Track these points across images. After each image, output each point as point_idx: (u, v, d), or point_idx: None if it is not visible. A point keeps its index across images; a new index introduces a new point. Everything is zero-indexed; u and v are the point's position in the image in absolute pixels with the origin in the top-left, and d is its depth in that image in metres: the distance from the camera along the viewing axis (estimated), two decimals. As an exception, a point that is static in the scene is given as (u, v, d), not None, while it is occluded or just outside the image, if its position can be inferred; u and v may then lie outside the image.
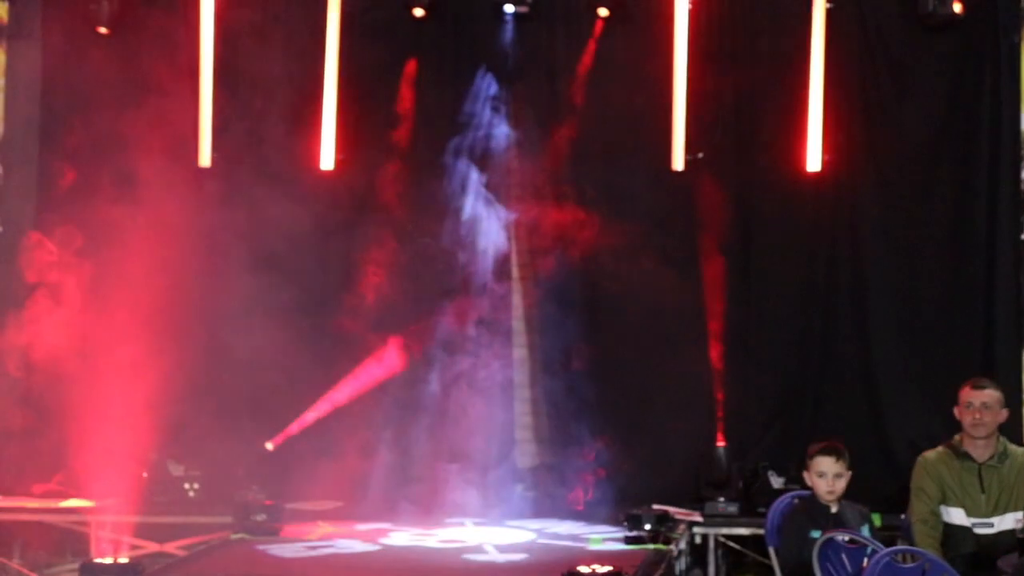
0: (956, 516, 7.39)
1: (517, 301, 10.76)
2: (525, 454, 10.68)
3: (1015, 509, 7.34)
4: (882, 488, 9.32)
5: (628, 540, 8.59)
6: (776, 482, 9.53)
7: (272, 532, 8.89)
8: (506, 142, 10.56)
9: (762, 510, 8.66)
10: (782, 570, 7.26)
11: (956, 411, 7.51)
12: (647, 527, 8.54)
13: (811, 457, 7.18)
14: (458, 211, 10.42)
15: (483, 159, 10.52)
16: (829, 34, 10.19)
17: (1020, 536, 7.04)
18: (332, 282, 10.34)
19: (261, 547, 8.51)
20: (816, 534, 6.87)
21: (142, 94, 10.31)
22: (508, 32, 10.51)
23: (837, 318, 10.41)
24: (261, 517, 8.93)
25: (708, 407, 10.20)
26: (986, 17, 10.22)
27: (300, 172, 10.41)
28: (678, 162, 10.28)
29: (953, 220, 10.31)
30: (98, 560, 8.17)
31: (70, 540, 9.99)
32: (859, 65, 10.35)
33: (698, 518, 9.48)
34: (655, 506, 8.95)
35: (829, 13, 10.17)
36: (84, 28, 10.46)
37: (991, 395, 7.45)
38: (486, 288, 10.47)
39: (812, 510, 7.15)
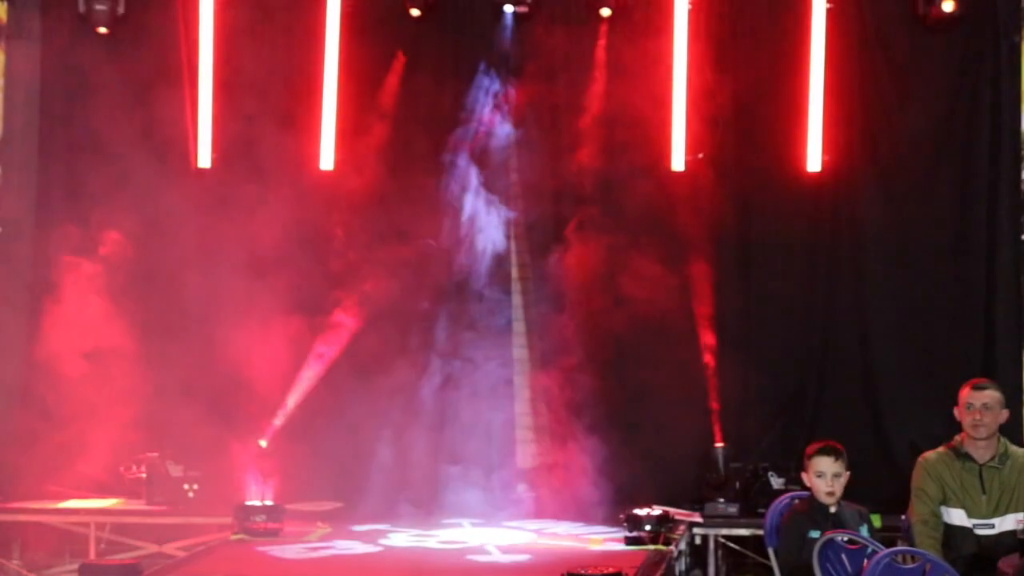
0: (957, 517, 7.39)
1: (516, 301, 10.74)
2: (525, 454, 10.66)
3: (1016, 510, 7.33)
4: (882, 489, 9.31)
5: (628, 541, 8.58)
6: (776, 483, 9.51)
7: (271, 533, 8.87)
8: (505, 141, 10.55)
9: (762, 511, 8.64)
10: (782, 571, 7.25)
11: (956, 412, 7.51)
12: (647, 528, 8.53)
13: (809, 457, 7.18)
14: (457, 211, 10.41)
15: (482, 158, 10.51)
16: (829, 34, 10.18)
17: (1021, 537, 7.03)
18: (330, 282, 10.32)
19: (262, 548, 8.49)
20: (815, 534, 6.87)
21: (141, 95, 10.31)
22: (508, 31, 10.49)
23: (837, 318, 10.40)
24: (260, 518, 8.91)
25: (707, 408, 10.18)
26: (986, 17, 10.21)
27: (299, 172, 10.39)
28: (678, 162, 10.26)
29: (954, 220, 10.30)
30: (97, 561, 8.16)
31: (69, 541, 9.97)
32: (859, 65, 10.33)
33: (698, 519, 9.48)
34: (655, 507, 8.93)
35: (829, 13, 10.16)
36: (83, 29, 10.45)
37: (992, 396, 7.45)
38: (485, 288, 10.46)
39: (811, 510, 7.14)
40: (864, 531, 7.05)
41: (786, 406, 10.34)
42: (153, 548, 9.69)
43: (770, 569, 7.50)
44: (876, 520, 7.70)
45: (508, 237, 10.57)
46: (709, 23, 10.37)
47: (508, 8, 10.42)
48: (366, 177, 10.42)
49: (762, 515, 8.13)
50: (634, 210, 10.31)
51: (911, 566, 6.56)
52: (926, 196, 10.32)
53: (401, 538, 8.98)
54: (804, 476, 7.23)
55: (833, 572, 6.72)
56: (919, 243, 10.32)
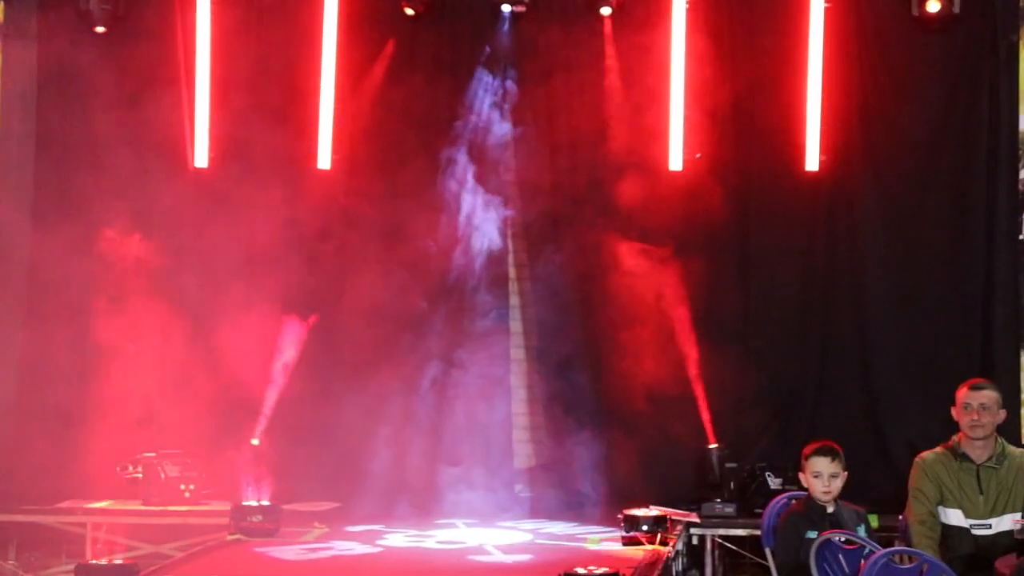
0: (954, 517, 7.39)
1: (514, 301, 10.74)
2: (522, 454, 10.66)
3: (1013, 510, 7.33)
4: (880, 489, 9.30)
5: (625, 541, 8.56)
6: (773, 483, 9.50)
7: (268, 533, 8.85)
8: (503, 140, 10.55)
9: (759, 511, 8.64)
10: (779, 571, 7.23)
11: (954, 412, 7.50)
12: (644, 528, 8.51)
13: (807, 458, 7.17)
14: (454, 210, 10.39)
15: (480, 157, 10.51)
16: (827, 33, 10.17)
17: (1018, 537, 7.02)
18: (328, 281, 10.31)
19: (260, 549, 8.47)
20: (812, 535, 6.86)
21: (137, 94, 10.30)
22: (505, 30, 10.48)
23: (835, 318, 10.39)
24: (257, 518, 8.89)
25: (705, 407, 10.17)
26: (984, 16, 10.20)
27: (296, 171, 10.38)
28: (676, 162, 10.25)
29: (951, 220, 10.29)
30: (94, 561, 8.14)
31: (65, 541, 9.95)
32: (857, 64, 10.32)
33: (695, 519, 9.46)
34: (652, 507, 8.92)
35: (827, 12, 10.15)
36: (80, 28, 10.43)
37: (989, 396, 7.45)
38: (482, 287, 10.44)
39: (808, 511, 7.13)
40: (862, 531, 7.05)
41: (784, 406, 10.33)
42: (149, 548, 9.68)
43: (767, 569, 7.49)
44: (874, 520, 7.69)
45: (505, 236, 10.57)
46: (707, 22, 10.36)
47: (506, 8, 10.40)
48: (363, 176, 10.42)
49: (759, 515, 8.13)
50: (631, 209, 10.29)
51: (908, 566, 6.55)
52: (924, 196, 10.31)
53: (398, 538, 8.97)
54: (801, 476, 7.22)
55: (830, 572, 6.72)
56: (917, 243, 10.31)
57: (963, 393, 7.49)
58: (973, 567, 7.27)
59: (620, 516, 8.66)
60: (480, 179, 10.45)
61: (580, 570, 7.19)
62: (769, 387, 10.32)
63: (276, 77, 10.50)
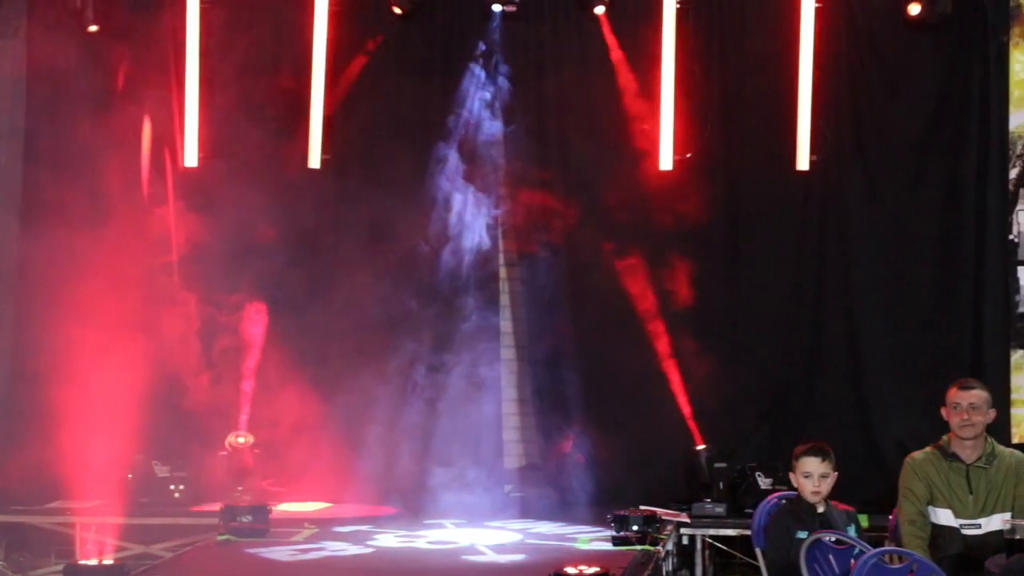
0: (944, 517, 7.39)
1: (504, 300, 10.74)
2: (512, 454, 10.65)
3: (1003, 510, 7.34)
4: (870, 489, 9.32)
5: (615, 541, 8.55)
6: (763, 483, 9.50)
7: (258, 533, 8.83)
8: (494, 139, 10.53)
9: (749, 511, 8.64)
10: (769, 571, 7.25)
11: (944, 412, 7.51)
12: (634, 528, 8.50)
13: (797, 458, 7.18)
14: (445, 209, 10.38)
15: (470, 156, 10.49)
16: (818, 33, 10.16)
17: (1008, 537, 7.02)
18: (317, 280, 10.30)
19: (251, 550, 8.44)
20: (803, 535, 6.87)
21: (126, 94, 10.28)
22: (496, 30, 10.47)
23: (825, 318, 10.38)
24: (247, 518, 8.87)
25: (695, 408, 10.17)
26: (975, 16, 10.20)
27: (285, 171, 10.37)
28: (667, 161, 10.24)
29: (942, 220, 10.29)
30: (83, 562, 8.12)
31: (55, 542, 9.93)
32: (848, 64, 10.32)
33: (685, 519, 9.46)
34: (642, 507, 8.91)
35: (818, 12, 10.15)
36: (69, 28, 10.41)
37: (979, 395, 7.45)
38: (472, 286, 10.44)
39: (798, 511, 7.14)
40: (852, 531, 7.06)
41: (774, 406, 10.33)
42: (139, 549, 9.66)
43: (758, 569, 7.50)
44: (864, 520, 7.70)
45: (495, 235, 10.55)
46: (698, 22, 10.35)
47: (496, 7, 10.39)
48: (352, 175, 10.40)
49: (749, 515, 8.13)
50: (622, 208, 10.30)
51: (898, 566, 6.55)
52: (914, 196, 10.31)
53: (389, 539, 8.94)
54: (792, 476, 7.23)
55: (820, 572, 6.72)
56: (907, 243, 10.30)
57: (952, 393, 7.49)
58: (963, 567, 7.27)
59: (610, 516, 8.66)
60: (470, 178, 10.45)
61: (570, 569, 7.19)
62: (759, 386, 10.33)
63: (266, 76, 10.48)
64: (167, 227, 10.34)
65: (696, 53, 10.33)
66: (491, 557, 8.36)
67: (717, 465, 9.73)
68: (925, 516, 7.40)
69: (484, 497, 9.89)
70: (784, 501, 7.47)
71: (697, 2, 10.36)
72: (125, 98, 10.35)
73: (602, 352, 10.36)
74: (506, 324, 10.75)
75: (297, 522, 9.35)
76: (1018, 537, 6.94)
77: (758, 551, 7.52)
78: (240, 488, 9.67)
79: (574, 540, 8.90)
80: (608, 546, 8.55)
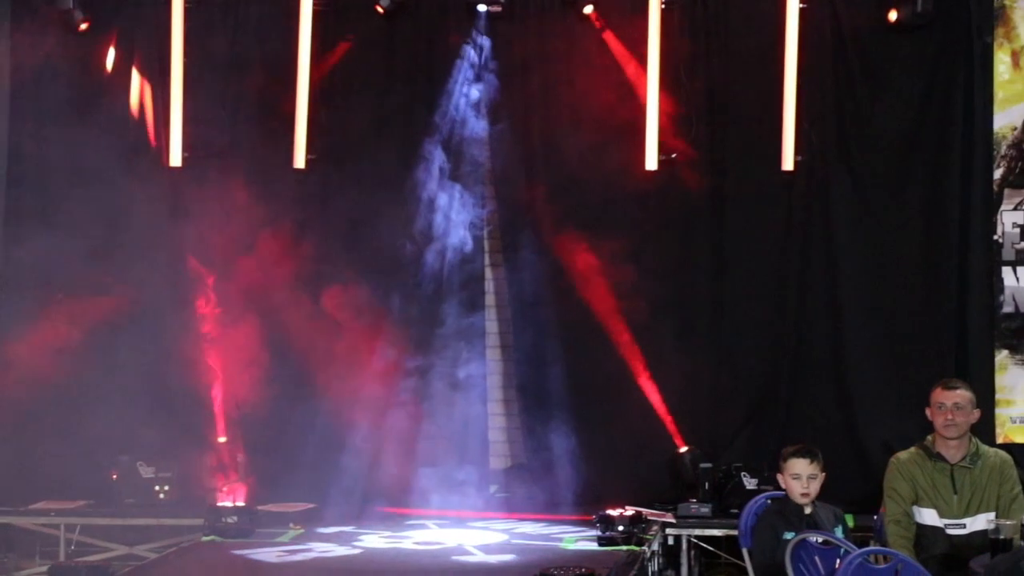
0: (928, 517, 7.40)
1: (489, 300, 10.73)
2: (498, 455, 10.65)
3: (987, 510, 7.36)
4: (855, 489, 9.32)
5: (601, 541, 8.56)
6: (749, 483, 9.50)
7: (243, 534, 8.82)
8: (479, 139, 10.53)
9: (735, 511, 8.66)
10: (755, 571, 7.25)
11: (928, 412, 7.52)
12: (620, 528, 8.51)
13: (785, 459, 7.18)
14: (430, 208, 10.38)
15: (456, 156, 10.49)
16: (802, 34, 10.17)
17: (992, 537, 7.03)
18: (301, 279, 10.27)
19: (238, 551, 8.42)
20: (790, 535, 6.88)
21: (111, 93, 10.26)
22: (482, 28, 10.47)
23: (810, 318, 10.40)
24: (232, 519, 8.86)
25: (680, 408, 10.18)
26: (959, 17, 10.22)
27: (270, 170, 10.35)
28: (652, 161, 10.25)
29: (926, 221, 10.30)
30: (68, 562, 8.11)
31: (39, 542, 9.91)
32: (833, 65, 10.34)
33: (671, 519, 9.47)
34: (628, 507, 8.92)
35: (802, 13, 10.16)
36: (53, 27, 10.39)
37: (963, 395, 7.47)
38: (457, 285, 10.43)
39: (786, 511, 7.15)
40: (839, 532, 7.07)
41: (759, 406, 10.34)
42: (124, 550, 9.64)
43: (743, 570, 7.51)
44: (849, 520, 7.70)
45: (480, 235, 10.56)
46: (683, 22, 10.36)
47: (481, 7, 10.38)
48: (337, 175, 10.39)
49: (735, 515, 8.15)
50: (607, 208, 10.31)
51: (883, 566, 6.57)
52: (899, 196, 10.33)
53: (374, 540, 8.94)
54: (779, 477, 7.23)
55: (806, 572, 6.74)
56: (892, 243, 10.32)
57: (937, 393, 7.50)
58: (948, 567, 7.28)
59: (595, 516, 8.66)
60: (455, 177, 10.45)
61: (555, 571, 7.20)
62: (743, 386, 10.34)
63: (250, 76, 10.46)
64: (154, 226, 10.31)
65: (681, 53, 10.33)
66: (481, 557, 8.36)
67: (702, 465, 9.73)
68: (910, 516, 7.42)
69: (469, 497, 9.89)
70: (771, 501, 7.48)
71: (683, 2, 10.37)
72: (109, 96, 10.31)
73: (586, 351, 10.35)
74: (491, 324, 10.75)
75: (282, 522, 9.34)
76: (1002, 537, 6.94)
77: (745, 552, 7.53)
78: (224, 488, 9.64)
79: (559, 540, 8.91)
80: (594, 546, 8.56)
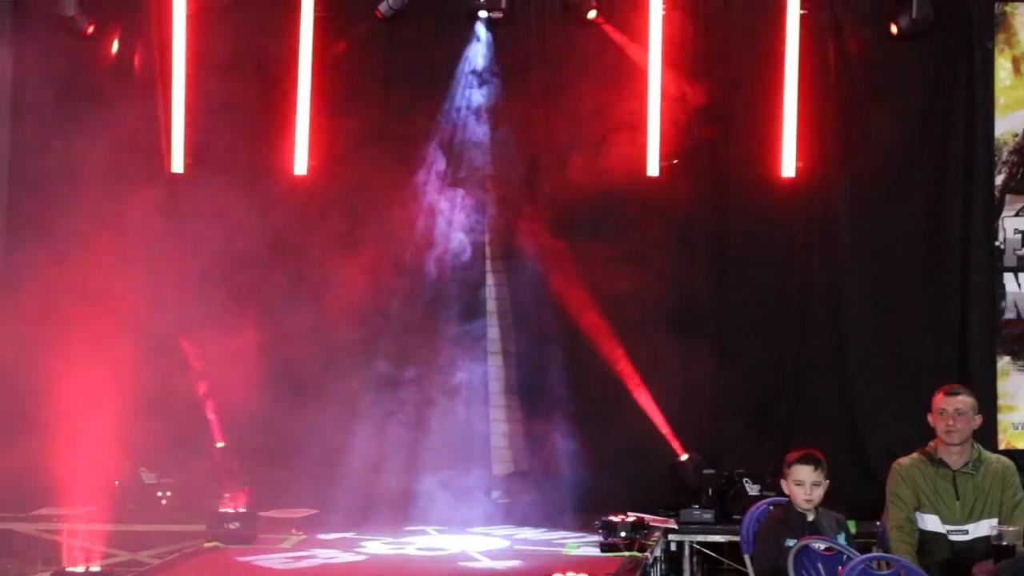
0: (931, 523, 7.41)
1: (491, 306, 10.72)
2: (500, 461, 10.64)
3: (990, 516, 7.36)
4: (857, 495, 9.32)
5: (603, 547, 8.55)
6: (751, 489, 9.51)
7: (245, 540, 8.81)
8: (481, 145, 10.54)
9: (737, 517, 8.67)
10: (757, 578, 7.26)
11: (930, 418, 7.53)
12: (622, 534, 8.50)
13: (789, 465, 7.19)
14: (431, 214, 10.38)
15: (457, 161, 10.49)
16: (803, 40, 10.19)
17: (995, 543, 7.04)
18: (304, 285, 10.28)
19: (243, 558, 8.39)
20: (792, 542, 6.88)
21: (113, 99, 10.26)
22: (483, 34, 10.48)
23: (812, 324, 10.40)
24: (234, 525, 8.85)
25: (682, 413, 10.17)
26: (960, 23, 10.23)
27: (272, 177, 10.36)
28: (654, 168, 10.25)
29: (928, 227, 10.32)
30: (70, 569, 8.10)
31: (41, 549, 9.90)
32: (833, 71, 10.35)
33: (673, 525, 9.46)
34: (630, 513, 8.91)
35: (803, 19, 10.17)
36: (56, 34, 10.39)
37: (965, 401, 7.48)
38: (458, 291, 10.44)
39: (788, 518, 7.15)
40: (842, 539, 7.07)
41: (760, 412, 10.35)
42: (126, 556, 9.63)
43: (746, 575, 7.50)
44: (851, 526, 7.71)
45: (482, 240, 10.56)
46: (684, 28, 10.37)
47: (483, 13, 10.39)
48: (339, 180, 10.39)
49: (737, 522, 8.15)
50: (609, 213, 10.31)
51: (886, 572, 6.57)
52: (900, 202, 10.34)
53: (377, 546, 8.92)
54: (783, 483, 7.24)
55: (808, 579, 6.75)
56: (893, 249, 10.33)
57: (939, 399, 7.51)
58: (950, 573, 7.29)
59: (597, 522, 8.65)
60: (456, 183, 10.45)
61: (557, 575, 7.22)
62: (745, 392, 10.35)
63: (252, 83, 10.46)
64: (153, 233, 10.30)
65: (682, 60, 10.34)
66: (487, 564, 8.33)
67: (705, 471, 9.74)
68: (913, 522, 7.42)
69: (471, 503, 9.88)
70: (774, 508, 7.48)
71: (683, 8, 10.38)
72: (111, 103, 10.31)
73: (588, 357, 10.35)
74: (492, 329, 10.73)
75: (284, 528, 9.33)
76: (1005, 543, 6.96)
77: (747, 558, 7.54)
78: (227, 495, 9.63)
79: (561, 546, 8.90)
80: (596, 552, 8.55)
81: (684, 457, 9.96)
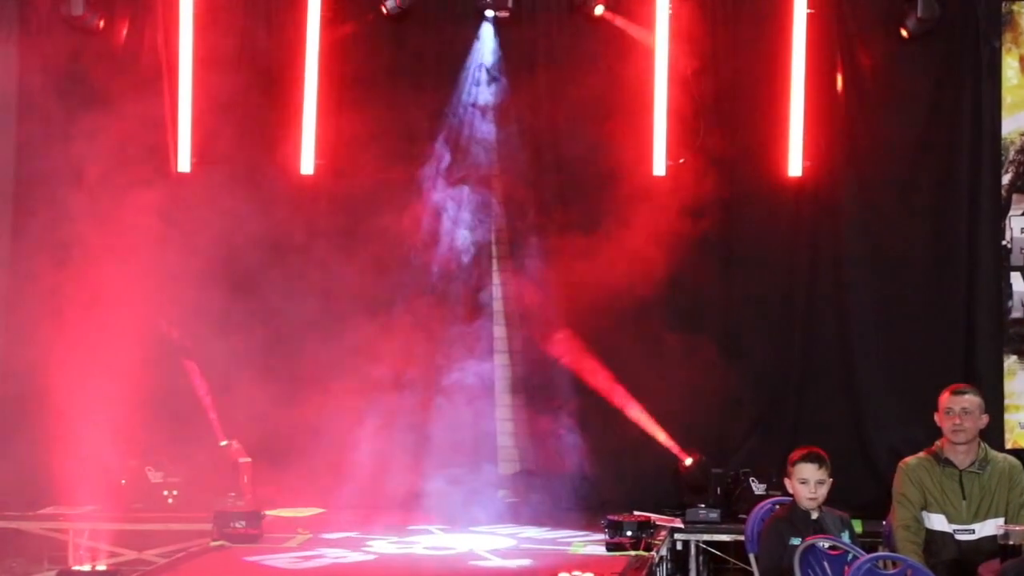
0: (937, 522, 7.40)
1: (499, 307, 10.72)
2: (506, 460, 10.64)
3: (996, 515, 7.35)
4: (863, 494, 9.32)
5: (609, 546, 8.55)
6: (757, 488, 9.50)
7: (251, 539, 8.81)
8: (487, 142, 10.54)
9: (743, 516, 8.66)
10: (762, 576, 7.25)
11: (937, 417, 7.52)
12: (628, 533, 8.50)
13: (793, 464, 7.18)
14: (437, 211, 10.39)
15: (464, 159, 10.50)
16: (810, 40, 10.18)
17: (1001, 543, 7.03)
18: (308, 284, 10.28)
19: (250, 557, 8.38)
20: (796, 541, 6.89)
21: (120, 99, 10.26)
22: (490, 32, 10.48)
23: (818, 323, 10.40)
24: (240, 524, 8.86)
25: (688, 412, 10.17)
26: (967, 22, 10.22)
27: (279, 176, 10.36)
28: (660, 167, 10.25)
29: (934, 226, 10.31)
30: (76, 567, 8.11)
31: (48, 547, 9.91)
32: (840, 70, 10.33)
33: (679, 524, 9.46)
34: (636, 512, 8.91)
35: (810, 19, 10.16)
36: (61, 33, 10.41)
37: (971, 400, 7.47)
38: (466, 291, 10.44)
39: (792, 517, 7.15)
40: (846, 537, 7.07)
41: (767, 411, 10.34)
42: (132, 555, 9.64)
43: (751, 575, 7.49)
44: (857, 525, 7.70)
45: (489, 238, 10.56)
46: (691, 28, 10.35)
47: (489, 13, 10.39)
48: (346, 179, 10.39)
49: (743, 521, 8.14)
50: (615, 212, 10.29)
51: (892, 572, 6.57)
52: (907, 201, 10.33)
53: (383, 545, 8.91)
54: (787, 482, 7.23)
55: (814, 578, 6.74)
56: (900, 248, 10.32)
57: (945, 398, 7.51)
58: (957, 572, 7.29)
59: (604, 521, 8.65)
60: (462, 180, 10.45)
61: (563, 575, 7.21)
62: (752, 391, 10.34)
63: (258, 82, 10.47)
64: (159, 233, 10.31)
65: (688, 60, 10.33)
66: (498, 562, 8.32)
67: (714, 471, 9.74)
68: (919, 521, 7.41)
69: (478, 502, 9.88)
70: (778, 507, 7.48)
71: (690, 7, 10.37)
72: (118, 102, 10.32)
73: (596, 356, 10.34)
74: (498, 328, 10.73)
75: (290, 527, 9.34)
76: (1012, 543, 6.96)
77: (751, 557, 7.53)
78: (233, 493, 9.64)
79: (567, 545, 8.89)
80: (602, 551, 8.54)
81: (688, 461, 9.93)
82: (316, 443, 10.03)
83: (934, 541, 7.40)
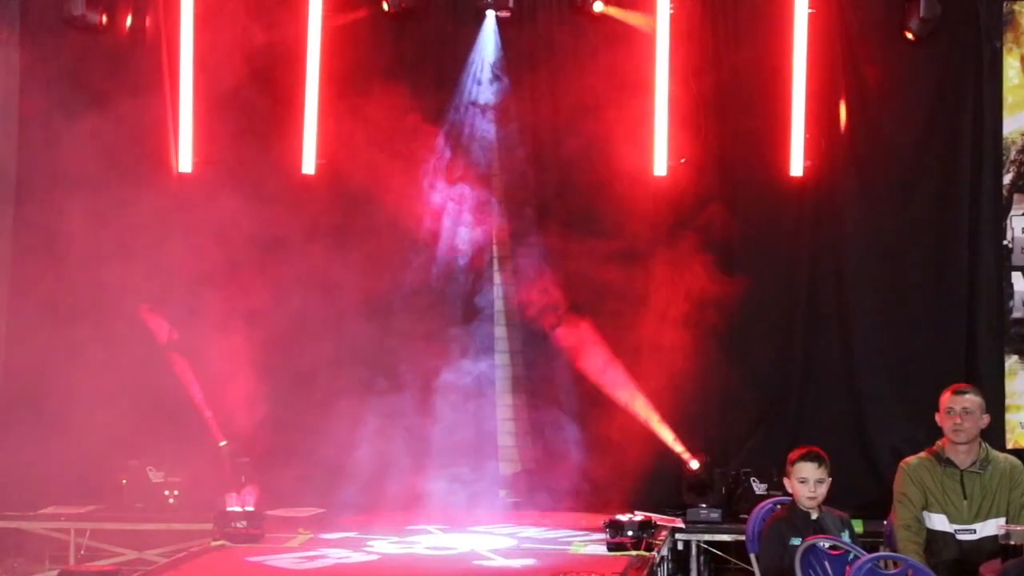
0: (938, 522, 7.40)
1: (499, 306, 10.72)
2: (507, 460, 10.64)
3: (997, 515, 7.35)
4: (865, 494, 9.32)
5: (610, 546, 8.55)
6: (758, 488, 9.51)
7: (253, 539, 8.81)
8: (488, 142, 10.54)
9: (744, 516, 8.66)
10: (763, 576, 7.25)
11: (938, 417, 7.52)
12: (629, 533, 8.50)
13: (792, 463, 7.18)
14: (438, 211, 10.39)
15: (465, 159, 10.50)
16: (811, 39, 10.17)
17: (1002, 543, 7.03)
18: (312, 283, 10.28)
19: (252, 558, 8.37)
20: (796, 541, 6.89)
21: (121, 100, 10.27)
22: (491, 32, 10.48)
23: (819, 323, 10.39)
24: (241, 524, 8.85)
25: (691, 413, 10.17)
26: (968, 22, 10.22)
27: (280, 176, 10.36)
28: (661, 167, 10.25)
29: (936, 226, 10.30)
30: (77, 567, 8.11)
31: (49, 547, 9.92)
32: (841, 70, 10.33)
33: (680, 524, 9.46)
34: (637, 512, 8.91)
35: (811, 18, 10.16)
36: (62, 35, 10.42)
37: (972, 400, 7.47)
38: (466, 290, 10.44)
39: (792, 517, 7.15)
40: (846, 537, 7.06)
41: (768, 411, 10.33)
42: (133, 554, 9.65)
43: (752, 575, 7.50)
44: (858, 525, 7.71)
45: (489, 238, 10.57)
46: (691, 29, 10.36)
47: (490, 12, 10.39)
48: (346, 178, 10.39)
49: (744, 520, 8.14)
50: (616, 211, 10.30)
51: (893, 572, 6.57)
52: (908, 201, 10.33)
53: (384, 545, 8.90)
54: (787, 482, 7.23)
55: (815, 578, 6.74)
56: (901, 248, 10.32)
57: (946, 398, 7.51)
58: (958, 572, 7.29)
59: (605, 521, 8.65)
60: (463, 180, 10.45)
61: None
62: (753, 391, 10.33)
63: (260, 82, 10.47)
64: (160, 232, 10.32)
65: (689, 60, 10.33)
66: (501, 562, 8.31)
67: (717, 470, 9.74)
68: (920, 521, 7.42)
69: (478, 502, 9.89)
70: (778, 507, 7.48)
71: (691, 7, 10.37)
72: (119, 103, 10.32)
73: (595, 356, 10.32)
74: (499, 328, 10.74)
75: (291, 527, 9.34)
76: (1013, 543, 6.96)
77: (752, 557, 7.53)
78: (233, 494, 9.64)
79: (567, 544, 8.89)
80: (603, 551, 8.54)
81: (694, 464, 9.92)
82: (316, 443, 10.02)
83: (935, 541, 7.40)
